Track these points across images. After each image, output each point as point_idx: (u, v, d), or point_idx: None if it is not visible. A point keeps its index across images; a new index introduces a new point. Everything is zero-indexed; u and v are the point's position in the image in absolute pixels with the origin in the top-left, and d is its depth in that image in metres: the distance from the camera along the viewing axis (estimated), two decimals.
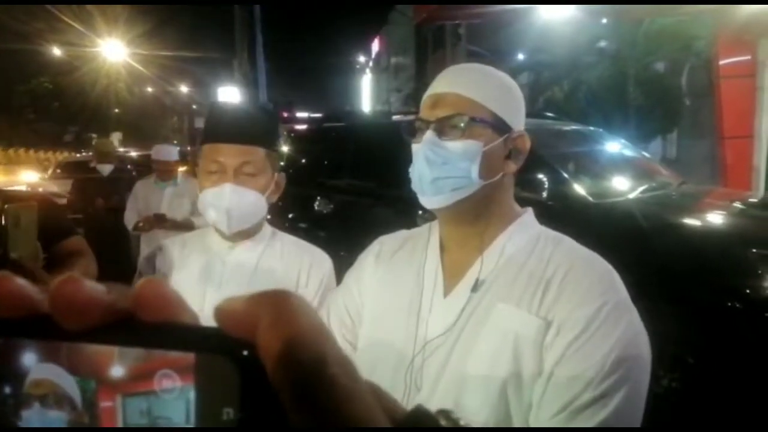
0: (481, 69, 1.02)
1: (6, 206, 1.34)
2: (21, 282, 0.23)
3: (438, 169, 0.96)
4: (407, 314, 1.00)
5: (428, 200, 0.99)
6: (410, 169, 1.01)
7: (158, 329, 0.23)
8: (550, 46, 11.52)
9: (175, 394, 0.22)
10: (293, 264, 1.38)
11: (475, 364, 0.89)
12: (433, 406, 0.81)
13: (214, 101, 1.54)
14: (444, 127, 0.96)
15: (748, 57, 7.75)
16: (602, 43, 11.39)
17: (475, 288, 0.94)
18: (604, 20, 10.21)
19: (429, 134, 0.97)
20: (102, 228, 4.65)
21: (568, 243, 0.98)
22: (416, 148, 0.99)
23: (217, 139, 1.31)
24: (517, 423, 0.86)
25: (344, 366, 0.22)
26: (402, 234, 1.15)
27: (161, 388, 0.22)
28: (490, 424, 0.86)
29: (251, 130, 1.31)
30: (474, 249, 0.98)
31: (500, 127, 0.97)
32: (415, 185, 1.00)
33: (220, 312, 0.23)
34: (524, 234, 0.98)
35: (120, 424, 0.22)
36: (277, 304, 0.22)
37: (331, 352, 0.22)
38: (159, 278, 0.24)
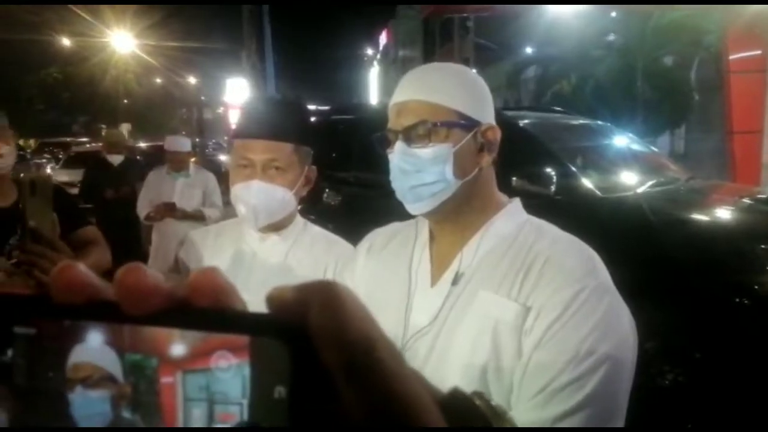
0: (440, 69, 1.03)
1: (21, 175, 1.36)
2: (83, 269, 0.25)
3: (413, 177, 0.98)
4: (397, 305, 1.02)
5: (411, 207, 1.01)
6: (391, 179, 1.03)
7: (214, 314, 0.24)
8: (558, 40, 11.48)
9: (231, 372, 0.24)
10: (321, 257, 1.40)
11: (457, 350, 0.91)
12: None
13: (247, 97, 1.56)
14: (411, 136, 0.98)
15: (758, 52, 7.71)
16: (611, 37, 11.34)
17: (455, 281, 0.96)
18: (613, 14, 10.17)
19: (399, 144, 0.99)
20: (112, 218, 4.71)
21: (551, 230, 0.99)
22: (391, 158, 1.02)
23: (245, 135, 1.32)
24: None
25: (390, 350, 0.24)
26: (393, 227, 1.17)
27: (217, 367, 0.24)
28: None
29: (279, 125, 1.31)
30: (459, 240, 1.01)
31: (467, 124, 0.98)
32: (397, 194, 1.03)
33: (272, 299, 0.25)
34: (508, 223, 1.00)
35: (180, 399, 0.24)
36: (327, 292, 0.24)
37: (378, 336, 0.24)
38: (213, 268, 0.25)
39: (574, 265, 0.89)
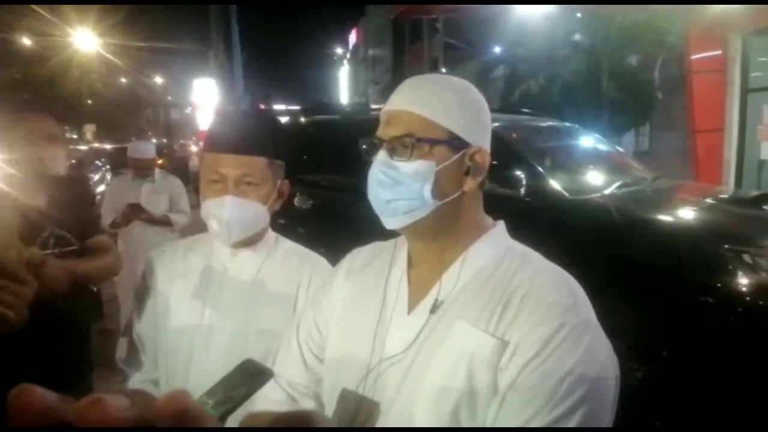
0: (439, 82, 0.96)
1: None
2: (40, 392, 0.24)
3: (390, 190, 0.93)
4: (370, 329, 0.97)
5: (385, 221, 0.97)
6: (367, 189, 0.98)
7: None
8: (525, 40, 11.56)
9: None
10: (294, 273, 1.37)
11: (430, 382, 0.86)
12: (389, 423, 0.87)
13: (218, 109, 1.53)
14: (396, 147, 0.93)
15: (719, 52, 7.90)
16: (577, 37, 11.48)
17: (434, 309, 0.91)
18: (579, 14, 10.31)
19: (381, 154, 0.95)
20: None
21: (535, 260, 0.94)
22: (371, 167, 0.97)
23: (218, 149, 1.28)
24: None
25: None
26: (373, 247, 1.13)
27: None
28: None
29: (252, 140, 1.28)
30: (438, 265, 0.95)
31: (455, 144, 0.93)
32: (373, 207, 0.98)
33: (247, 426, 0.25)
34: (490, 250, 0.95)
35: None
36: (304, 425, 0.25)
37: None
38: (181, 391, 0.25)
39: (554, 300, 0.84)
